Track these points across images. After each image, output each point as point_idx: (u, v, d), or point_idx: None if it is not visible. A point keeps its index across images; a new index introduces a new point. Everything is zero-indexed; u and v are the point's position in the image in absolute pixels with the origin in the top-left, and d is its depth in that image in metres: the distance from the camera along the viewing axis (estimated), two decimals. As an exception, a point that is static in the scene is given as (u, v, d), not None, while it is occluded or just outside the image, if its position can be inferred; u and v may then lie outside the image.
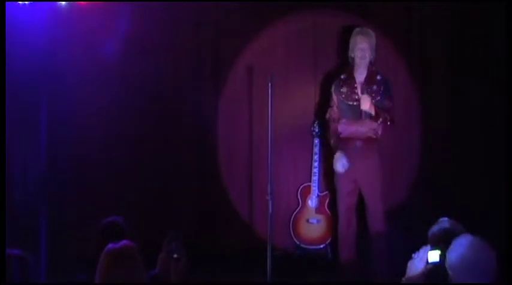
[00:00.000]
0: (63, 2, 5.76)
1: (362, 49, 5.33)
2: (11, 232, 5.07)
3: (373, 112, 5.26)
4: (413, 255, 2.97)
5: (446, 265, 2.81)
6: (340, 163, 5.32)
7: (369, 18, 5.80)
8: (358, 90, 5.37)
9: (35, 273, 3.33)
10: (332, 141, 5.47)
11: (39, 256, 5.74)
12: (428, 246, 2.93)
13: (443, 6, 5.76)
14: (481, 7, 5.67)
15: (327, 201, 5.85)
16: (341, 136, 5.42)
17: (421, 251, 2.95)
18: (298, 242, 5.88)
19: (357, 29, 5.43)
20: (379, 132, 5.38)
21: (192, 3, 5.87)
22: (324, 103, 5.75)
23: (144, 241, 3.59)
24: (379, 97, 5.32)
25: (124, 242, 3.07)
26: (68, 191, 5.92)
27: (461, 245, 2.81)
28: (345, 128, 5.40)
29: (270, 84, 5.16)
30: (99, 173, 5.93)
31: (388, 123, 5.34)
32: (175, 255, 3.61)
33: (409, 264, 2.96)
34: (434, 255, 2.89)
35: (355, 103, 5.36)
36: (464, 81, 5.84)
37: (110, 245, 3.05)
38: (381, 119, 5.29)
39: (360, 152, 5.34)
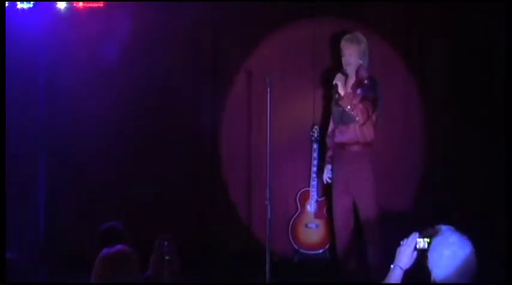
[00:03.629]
0: (62, 5, 5.77)
1: (348, 56, 5.34)
2: (11, 233, 5.09)
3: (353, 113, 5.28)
4: (401, 242, 3.03)
5: (428, 264, 2.88)
6: (326, 175, 5.59)
7: (368, 23, 5.80)
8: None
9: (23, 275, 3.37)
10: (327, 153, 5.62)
11: (39, 259, 5.76)
12: (417, 234, 2.99)
13: (442, 7, 5.76)
14: (481, 7, 5.67)
15: (325, 206, 5.84)
16: (335, 140, 5.46)
17: (410, 237, 3.01)
18: (297, 247, 5.87)
19: (346, 36, 5.42)
20: (369, 137, 5.37)
21: (191, 7, 5.88)
22: (323, 108, 5.77)
23: (142, 244, 3.60)
24: (359, 99, 5.30)
25: (119, 247, 3.06)
26: (67, 194, 5.93)
27: (442, 244, 2.87)
28: (336, 133, 5.45)
29: (269, 88, 5.17)
30: (98, 175, 5.93)
31: (361, 123, 5.30)
32: (167, 257, 3.62)
33: (398, 250, 3.03)
34: (422, 243, 2.96)
35: (340, 108, 5.38)
36: (464, 82, 5.83)
37: (105, 250, 3.05)
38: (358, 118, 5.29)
39: (350, 157, 5.36)
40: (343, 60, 5.37)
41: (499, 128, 5.59)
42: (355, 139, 5.35)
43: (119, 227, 4.24)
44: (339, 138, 5.42)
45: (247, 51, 5.98)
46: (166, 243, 3.64)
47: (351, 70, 5.35)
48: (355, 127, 5.33)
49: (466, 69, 5.82)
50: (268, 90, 5.16)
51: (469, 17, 5.76)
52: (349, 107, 5.27)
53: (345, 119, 5.36)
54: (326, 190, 5.74)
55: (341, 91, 5.30)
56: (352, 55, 5.33)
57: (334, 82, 5.33)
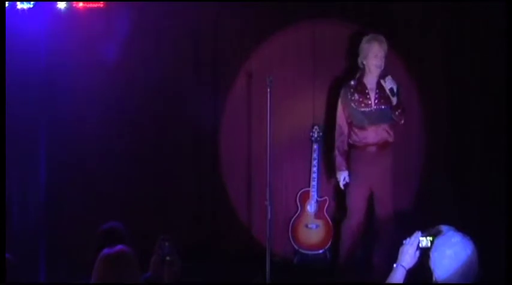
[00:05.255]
0: (62, 5, 5.77)
1: (380, 58, 5.31)
2: (11, 235, 5.08)
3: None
4: (404, 241, 3.04)
5: (430, 264, 2.90)
6: (344, 181, 5.40)
7: (368, 24, 5.80)
8: (371, 96, 5.36)
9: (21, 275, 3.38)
10: (339, 159, 5.43)
11: (39, 260, 5.76)
12: (420, 233, 3.00)
13: (442, 8, 5.77)
14: (481, 7, 5.67)
15: (325, 206, 5.84)
16: (357, 144, 5.39)
17: (413, 237, 3.02)
18: (297, 248, 5.87)
19: (373, 36, 5.38)
20: (393, 135, 5.40)
21: (192, 9, 5.88)
22: (323, 108, 5.76)
23: (142, 244, 3.60)
24: (390, 103, 5.32)
25: (119, 247, 3.07)
26: (67, 195, 5.93)
27: (444, 244, 2.88)
28: (361, 135, 5.37)
29: (268, 89, 5.17)
30: (99, 176, 5.93)
31: (402, 122, 5.37)
32: (167, 258, 3.62)
33: (401, 249, 3.04)
34: (425, 241, 2.97)
35: (370, 110, 5.35)
36: (465, 83, 5.84)
37: (105, 250, 3.06)
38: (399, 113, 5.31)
39: (375, 158, 5.35)
40: (374, 61, 5.30)
41: (499, 128, 5.59)
42: (386, 139, 5.36)
43: (119, 227, 4.24)
44: (370, 140, 5.34)
45: (247, 51, 5.98)
46: (167, 244, 3.63)
47: (377, 72, 5.33)
48: (385, 127, 5.35)
49: (466, 69, 5.83)
50: (268, 90, 5.16)
51: (469, 18, 5.77)
52: (401, 109, 5.28)
53: (376, 120, 5.33)
54: (326, 190, 5.74)
55: (395, 99, 5.26)
56: (383, 58, 5.31)
57: (390, 86, 5.20)
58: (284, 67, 5.95)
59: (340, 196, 5.69)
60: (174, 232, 4.24)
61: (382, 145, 5.37)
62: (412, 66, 5.89)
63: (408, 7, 5.84)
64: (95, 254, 3.14)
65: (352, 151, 5.42)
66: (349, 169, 5.43)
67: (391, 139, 5.41)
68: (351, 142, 5.43)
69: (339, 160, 5.43)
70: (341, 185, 5.44)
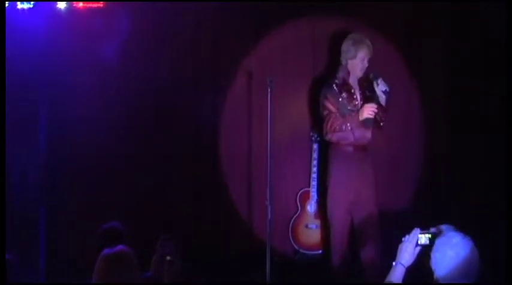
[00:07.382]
0: (62, 5, 5.78)
1: (366, 62, 5.33)
2: (11, 235, 5.09)
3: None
4: (403, 238, 3.03)
5: (431, 265, 2.89)
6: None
7: (368, 23, 5.80)
8: (357, 96, 5.39)
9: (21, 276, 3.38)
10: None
11: (39, 260, 5.76)
12: (418, 230, 2.99)
13: (442, 7, 5.77)
14: (481, 7, 5.68)
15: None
16: (341, 142, 5.38)
17: (412, 234, 3.00)
18: (297, 247, 5.86)
19: (360, 38, 5.37)
20: (375, 135, 5.46)
21: (192, 8, 5.88)
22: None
23: (142, 246, 3.60)
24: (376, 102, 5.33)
25: (119, 247, 3.08)
26: (67, 195, 5.93)
27: (446, 244, 2.87)
28: (346, 134, 5.37)
29: (269, 89, 5.17)
30: (99, 175, 5.92)
31: (381, 124, 5.38)
32: (168, 258, 3.63)
33: (400, 246, 3.02)
34: (424, 239, 2.96)
35: (357, 109, 5.35)
36: (465, 83, 5.84)
37: (106, 250, 3.07)
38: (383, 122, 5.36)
39: (358, 158, 5.36)
40: (360, 63, 5.32)
41: (499, 128, 5.60)
42: (369, 139, 5.40)
43: (119, 227, 4.25)
44: (354, 139, 5.34)
45: (247, 51, 5.98)
46: (168, 243, 3.65)
47: (362, 72, 5.35)
48: (371, 131, 5.38)
49: (466, 70, 5.83)
50: (269, 90, 5.16)
51: (469, 18, 5.77)
52: (386, 112, 5.31)
53: (367, 122, 5.34)
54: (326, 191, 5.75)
55: (385, 101, 5.28)
56: (368, 59, 5.34)
57: (384, 89, 5.20)
58: (284, 66, 5.95)
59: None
60: (174, 232, 4.26)
61: (366, 146, 5.40)
62: (412, 66, 5.90)
63: (408, 7, 5.83)
64: (95, 254, 3.15)
65: (336, 151, 5.42)
66: (332, 169, 5.43)
67: (373, 140, 5.43)
68: (335, 140, 5.41)
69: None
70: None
